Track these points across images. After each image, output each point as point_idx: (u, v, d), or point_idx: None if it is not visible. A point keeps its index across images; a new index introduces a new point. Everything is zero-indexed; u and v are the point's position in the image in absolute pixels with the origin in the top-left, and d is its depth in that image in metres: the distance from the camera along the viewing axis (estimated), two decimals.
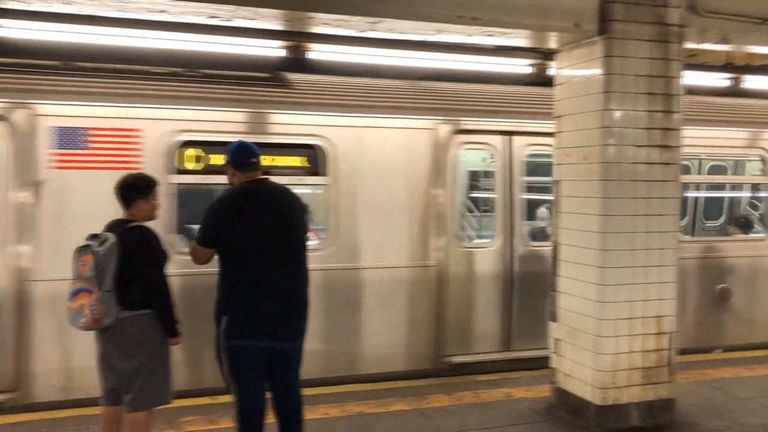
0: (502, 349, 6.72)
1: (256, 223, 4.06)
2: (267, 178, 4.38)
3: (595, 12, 4.97)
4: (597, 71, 5.02)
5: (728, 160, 8.71)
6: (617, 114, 4.97)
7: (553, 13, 4.97)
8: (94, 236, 3.88)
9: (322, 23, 4.83)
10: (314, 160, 6.16)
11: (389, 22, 4.75)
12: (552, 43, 5.42)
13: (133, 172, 4.26)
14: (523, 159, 6.85)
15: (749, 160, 8.52)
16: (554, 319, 5.49)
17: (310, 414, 4.52)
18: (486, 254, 6.72)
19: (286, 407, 4.22)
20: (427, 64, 7.06)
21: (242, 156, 4.23)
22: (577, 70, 5.29)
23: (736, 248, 7.61)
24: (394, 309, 6.31)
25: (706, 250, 7.44)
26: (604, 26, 4.96)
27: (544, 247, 6.36)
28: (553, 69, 5.71)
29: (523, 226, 6.94)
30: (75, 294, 3.77)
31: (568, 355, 5.32)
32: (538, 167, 7.21)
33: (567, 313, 5.34)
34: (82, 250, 3.80)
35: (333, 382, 5.90)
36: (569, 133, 5.36)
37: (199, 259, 4.16)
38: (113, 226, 3.92)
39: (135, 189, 4.00)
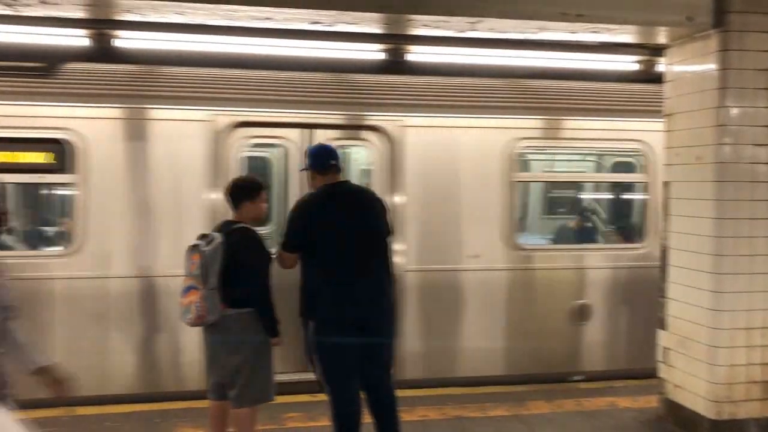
0: None
1: (337, 226, 4.08)
2: (348, 181, 4.40)
3: (710, 4, 4.70)
4: (711, 66, 4.75)
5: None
6: (734, 111, 4.68)
7: (663, 6, 4.74)
8: (203, 236, 4.04)
9: (422, 25, 4.82)
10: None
11: (490, 22, 4.68)
12: (661, 38, 5.18)
13: (242, 175, 4.38)
14: None
15: None
16: (663, 327, 5.23)
17: (407, 416, 4.52)
18: None
19: (381, 407, 4.22)
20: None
21: (321, 159, 4.25)
22: (689, 65, 5.02)
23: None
24: None
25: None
26: (720, 18, 4.68)
27: None
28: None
29: None
30: (186, 291, 3.95)
31: (679, 365, 5.05)
32: None
33: (678, 321, 5.07)
34: (192, 249, 3.96)
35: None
36: (680, 132, 5.09)
37: (284, 264, 4.22)
38: (221, 227, 4.07)
39: (242, 191, 4.13)
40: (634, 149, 6.56)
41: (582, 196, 8.64)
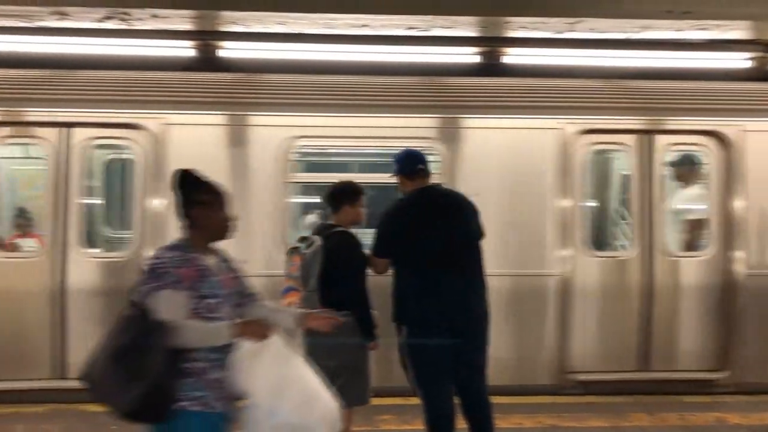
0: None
1: (428, 231, 4.04)
2: (438, 184, 4.36)
3: None
4: None
5: None
6: None
7: None
8: (303, 239, 4.13)
9: (519, 27, 4.77)
10: None
11: (590, 22, 4.58)
12: None
13: (343, 179, 4.42)
14: None
15: None
16: None
17: (502, 422, 4.45)
18: None
19: (475, 412, 4.16)
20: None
21: (410, 164, 4.23)
22: None
23: None
24: None
25: None
26: None
27: None
28: None
29: None
30: (286, 292, 4.05)
31: None
32: None
33: None
34: (293, 251, 4.06)
35: None
36: None
37: (377, 269, 4.20)
38: (320, 230, 4.15)
39: (343, 195, 4.19)
40: None
41: None
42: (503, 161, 5.61)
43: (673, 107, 5.89)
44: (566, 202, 5.69)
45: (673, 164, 6.10)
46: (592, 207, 6.48)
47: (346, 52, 5.98)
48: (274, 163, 5.37)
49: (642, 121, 5.84)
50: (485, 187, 5.42)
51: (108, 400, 2.63)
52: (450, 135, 5.55)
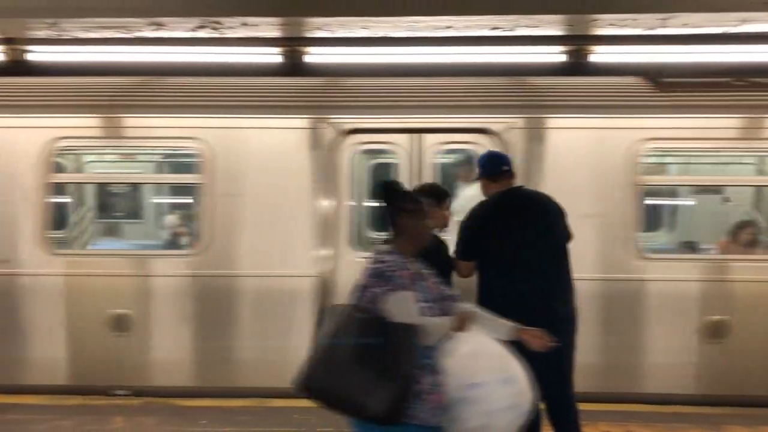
0: None
1: (512, 233, 3.97)
2: (522, 186, 4.28)
3: None
4: None
5: None
6: None
7: None
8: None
9: (608, 24, 4.65)
10: None
11: (683, 17, 4.41)
12: None
13: (428, 181, 4.42)
14: None
15: None
16: None
17: (589, 429, 4.35)
18: None
19: (561, 418, 4.07)
20: None
21: (493, 166, 4.16)
22: None
23: None
24: None
25: None
26: None
27: None
28: None
29: None
30: None
31: None
32: None
33: None
34: None
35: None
36: None
37: (461, 273, 4.15)
38: None
39: (428, 197, 4.18)
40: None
41: None
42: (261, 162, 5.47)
43: (444, 105, 5.50)
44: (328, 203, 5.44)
45: (453, 164, 5.88)
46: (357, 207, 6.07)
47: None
48: None
49: (410, 120, 5.42)
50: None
51: (351, 404, 2.72)
52: None
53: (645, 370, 5.29)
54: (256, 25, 4.56)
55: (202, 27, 4.57)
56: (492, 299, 4.02)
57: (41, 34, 4.83)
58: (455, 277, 4.16)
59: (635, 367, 5.28)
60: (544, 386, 4.03)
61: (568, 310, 4.09)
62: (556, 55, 6.24)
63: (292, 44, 6.01)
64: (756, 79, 5.51)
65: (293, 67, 6.20)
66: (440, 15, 4.37)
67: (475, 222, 4.12)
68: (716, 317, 5.23)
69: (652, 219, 6.96)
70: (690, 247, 6.68)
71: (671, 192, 7.15)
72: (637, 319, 5.25)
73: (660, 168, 6.51)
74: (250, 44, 5.67)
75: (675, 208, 7.32)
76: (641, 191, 5.33)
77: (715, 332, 5.23)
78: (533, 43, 5.87)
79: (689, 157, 6.38)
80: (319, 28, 4.74)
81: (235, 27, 4.60)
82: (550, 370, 4.02)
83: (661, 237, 7.15)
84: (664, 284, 5.30)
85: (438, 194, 4.19)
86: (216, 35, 4.76)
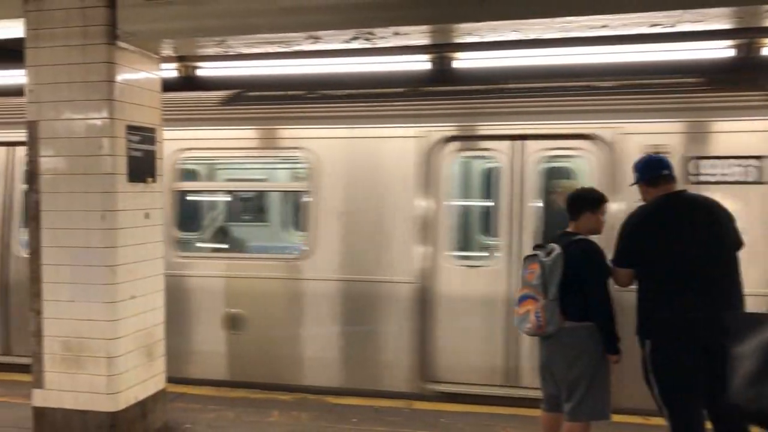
0: None
1: (674, 239, 3.81)
2: (684, 191, 4.06)
3: None
4: None
5: None
6: None
7: None
8: (540, 246, 4.10)
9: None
10: None
11: None
12: None
13: (585, 185, 4.35)
14: None
15: None
16: None
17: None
18: None
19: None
20: None
21: (651, 170, 4.03)
22: None
23: None
24: None
25: None
26: None
27: None
28: None
29: None
30: (522, 300, 4.04)
31: None
32: None
33: None
34: (530, 258, 4.04)
35: None
36: None
37: (619, 281, 4.04)
38: (559, 237, 4.09)
39: (585, 202, 4.10)
40: None
41: None
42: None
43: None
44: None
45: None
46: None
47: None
48: None
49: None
50: None
51: None
52: None
53: (189, 356, 6.26)
54: (407, 34, 4.65)
55: (356, 38, 4.72)
56: (654, 309, 3.88)
57: (210, 51, 5.21)
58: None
59: (181, 354, 6.16)
60: (710, 402, 3.82)
61: (738, 319, 3.82)
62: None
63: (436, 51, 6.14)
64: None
65: (441, 73, 6.30)
66: (596, 14, 4.23)
67: (633, 228, 3.99)
68: (234, 310, 6.12)
69: (192, 220, 7.98)
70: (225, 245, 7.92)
71: (205, 195, 8.20)
72: (181, 311, 6.17)
73: (192, 174, 7.31)
74: (397, 53, 5.82)
75: (209, 209, 8.42)
76: (177, 195, 6.40)
77: (234, 324, 6.16)
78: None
79: (212, 164, 7.67)
80: (468, 34, 4.74)
81: (387, 37, 4.70)
82: (717, 386, 3.79)
83: (198, 236, 8.10)
84: (196, 280, 6.26)
85: (595, 199, 4.11)
86: (368, 45, 4.91)
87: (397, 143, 5.90)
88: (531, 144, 5.73)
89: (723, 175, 5.31)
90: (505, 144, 5.78)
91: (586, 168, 5.77)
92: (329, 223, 5.99)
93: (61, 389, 4.73)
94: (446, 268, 5.80)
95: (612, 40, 5.10)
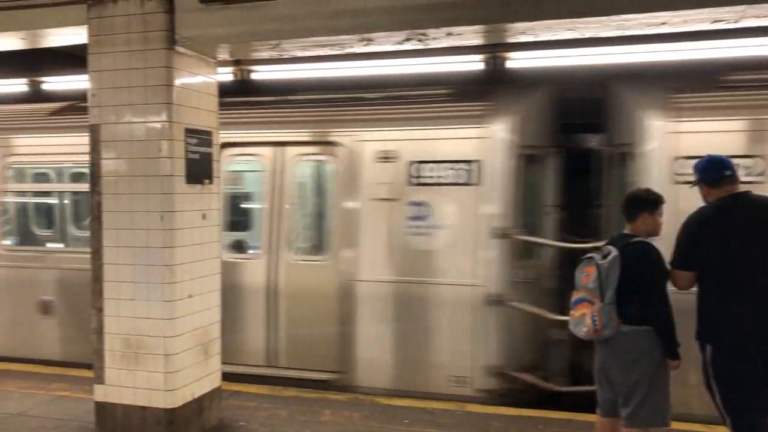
0: None
1: (737, 242, 3.69)
2: (748, 192, 3.92)
3: None
4: None
5: None
6: None
7: None
8: (597, 248, 4.02)
9: None
10: None
11: None
12: None
13: (641, 186, 4.26)
14: None
15: None
16: None
17: None
18: None
19: None
20: None
21: (713, 171, 3.91)
22: None
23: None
24: None
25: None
26: None
27: None
28: None
29: None
30: (576, 303, 3.97)
31: None
32: None
33: None
34: (587, 261, 3.97)
35: None
36: None
37: (678, 284, 3.93)
38: (616, 240, 4.01)
39: (642, 203, 4.02)
40: None
41: None
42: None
43: None
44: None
45: None
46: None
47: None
48: None
49: None
50: None
51: None
52: None
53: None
54: (461, 34, 4.63)
55: (408, 39, 4.72)
56: (715, 313, 3.78)
57: (264, 54, 5.29)
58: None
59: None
60: None
61: None
62: None
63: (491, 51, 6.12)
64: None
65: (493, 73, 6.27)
66: (656, 11, 4.13)
67: (693, 229, 3.89)
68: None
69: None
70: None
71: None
72: None
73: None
74: (451, 53, 5.82)
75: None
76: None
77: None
78: None
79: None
80: (522, 33, 4.69)
81: (439, 38, 4.69)
82: None
83: None
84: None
85: (652, 200, 4.03)
86: (420, 47, 4.90)
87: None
88: (290, 149, 6.48)
89: (439, 177, 5.87)
90: (268, 149, 6.54)
91: (333, 170, 6.42)
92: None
93: (121, 385, 4.87)
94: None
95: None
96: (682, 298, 3.97)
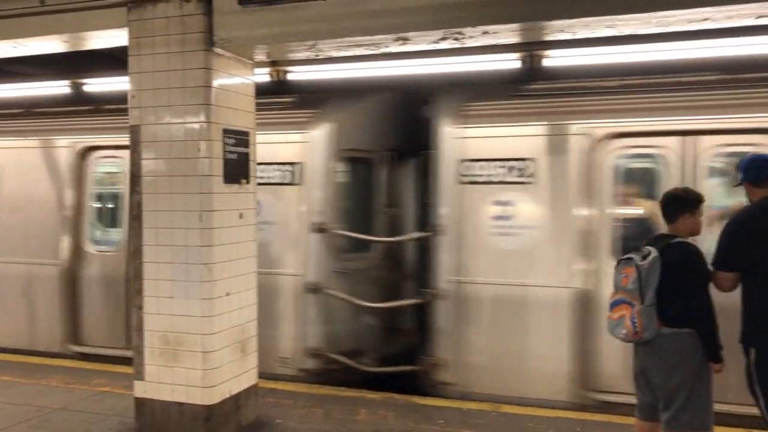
0: None
1: None
2: None
3: None
4: None
5: None
6: None
7: None
8: (636, 249, 3.95)
9: None
10: None
11: None
12: None
13: (680, 185, 4.20)
14: None
15: None
16: None
17: None
18: None
19: None
20: None
21: (757, 170, 3.87)
22: None
23: None
24: None
25: None
26: None
27: None
28: None
29: None
30: (615, 305, 3.91)
31: None
32: None
33: None
34: (625, 262, 3.90)
35: None
36: None
37: (722, 285, 3.86)
38: (656, 240, 3.93)
39: (682, 203, 3.94)
40: None
41: None
42: None
43: None
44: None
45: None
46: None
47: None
48: None
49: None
50: None
51: None
52: None
53: None
54: (497, 33, 4.59)
55: (444, 39, 4.70)
56: (756, 316, 3.71)
57: (301, 55, 5.32)
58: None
59: None
60: None
61: None
62: None
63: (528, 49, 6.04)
64: None
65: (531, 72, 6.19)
66: (697, 6, 4.04)
67: (736, 228, 3.84)
68: None
69: None
70: None
71: None
72: None
73: None
74: (487, 52, 5.76)
75: None
76: None
77: None
78: None
79: None
80: (560, 31, 4.63)
81: (476, 36, 4.66)
82: None
83: None
84: None
85: (692, 200, 3.95)
86: (457, 45, 4.88)
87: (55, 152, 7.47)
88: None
89: (269, 177, 6.48)
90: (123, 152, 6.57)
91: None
92: None
93: (160, 381, 4.96)
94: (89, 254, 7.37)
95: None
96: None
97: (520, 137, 5.87)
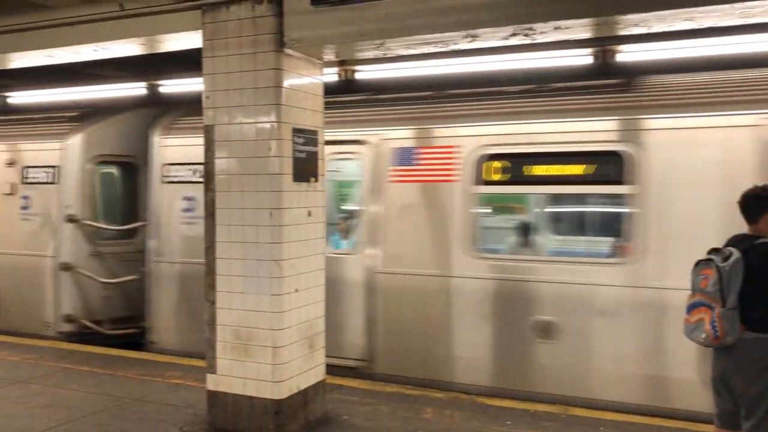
0: None
1: None
2: None
3: None
4: None
5: None
6: None
7: None
8: (716, 250, 3.79)
9: None
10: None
11: None
12: None
13: (760, 184, 3.98)
14: None
15: None
16: None
17: None
18: None
19: None
20: None
21: None
22: None
23: None
24: None
25: None
26: None
27: None
28: None
29: None
30: (693, 307, 3.75)
31: None
32: None
33: None
34: (704, 263, 3.74)
35: None
36: None
37: None
38: (737, 241, 3.77)
39: (764, 202, 3.75)
40: None
41: None
42: None
43: None
44: None
45: None
46: None
47: None
48: None
49: None
50: None
51: None
52: None
53: None
54: (569, 28, 4.50)
55: (514, 35, 4.63)
56: None
57: (369, 54, 5.34)
58: None
59: None
60: None
61: None
62: None
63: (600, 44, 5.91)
64: None
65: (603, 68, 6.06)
66: None
67: None
68: None
69: None
70: None
71: None
72: None
73: None
74: (559, 47, 5.68)
75: None
76: None
77: None
78: None
79: None
80: (635, 25, 4.50)
81: (547, 32, 4.58)
82: None
83: None
84: None
85: None
86: (527, 41, 4.81)
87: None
88: None
89: (36, 178, 8.48)
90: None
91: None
92: None
93: (231, 375, 5.07)
94: None
95: None
96: None
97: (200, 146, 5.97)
